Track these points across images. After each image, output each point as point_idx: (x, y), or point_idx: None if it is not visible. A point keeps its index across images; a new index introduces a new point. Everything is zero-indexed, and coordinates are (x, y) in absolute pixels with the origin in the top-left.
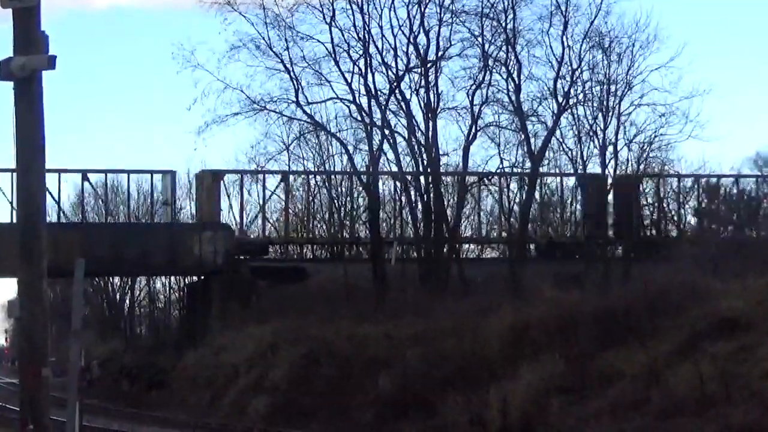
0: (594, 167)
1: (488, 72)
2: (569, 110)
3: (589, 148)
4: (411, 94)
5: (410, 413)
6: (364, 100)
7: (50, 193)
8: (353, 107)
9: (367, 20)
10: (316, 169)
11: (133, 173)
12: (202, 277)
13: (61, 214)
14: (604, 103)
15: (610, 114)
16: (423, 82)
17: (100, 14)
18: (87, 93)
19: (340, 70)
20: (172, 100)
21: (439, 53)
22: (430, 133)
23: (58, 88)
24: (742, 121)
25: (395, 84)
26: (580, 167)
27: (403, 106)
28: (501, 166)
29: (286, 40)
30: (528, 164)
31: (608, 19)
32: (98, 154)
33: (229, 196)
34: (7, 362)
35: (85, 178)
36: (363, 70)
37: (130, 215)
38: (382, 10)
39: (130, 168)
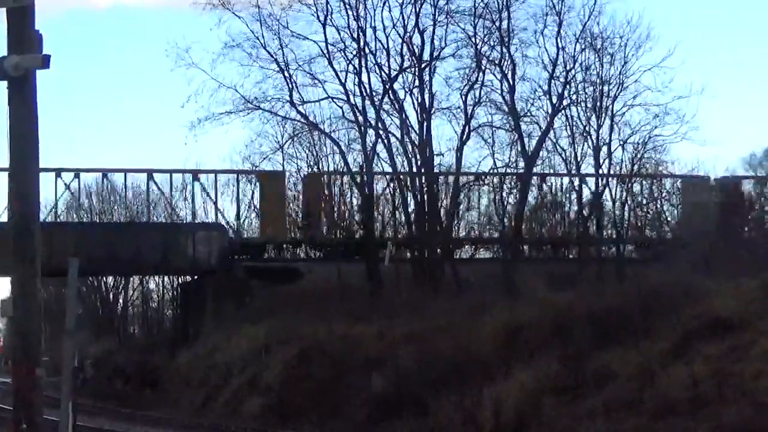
0: (588, 168)
1: (482, 72)
2: (563, 111)
3: (582, 148)
4: (405, 94)
5: (403, 413)
6: (358, 100)
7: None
8: (347, 107)
9: (361, 20)
10: (310, 169)
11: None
12: (196, 277)
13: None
14: (598, 103)
15: (604, 114)
16: (417, 82)
17: (101, 13)
18: (86, 91)
19: (333, 70)
20: (169, 100)
21: (433, 53)
22: (424, 134)
23: (57, 86)
24: (737, 123)
25: (389, 84)
26: (574, 168)
27: (397, 106)
28: (494, 167)
29: (280, 39)
30: (522, 164)
31: (600, 20)
32: (93, 153)
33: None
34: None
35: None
36: (357, 70)
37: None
38: (375, 10)
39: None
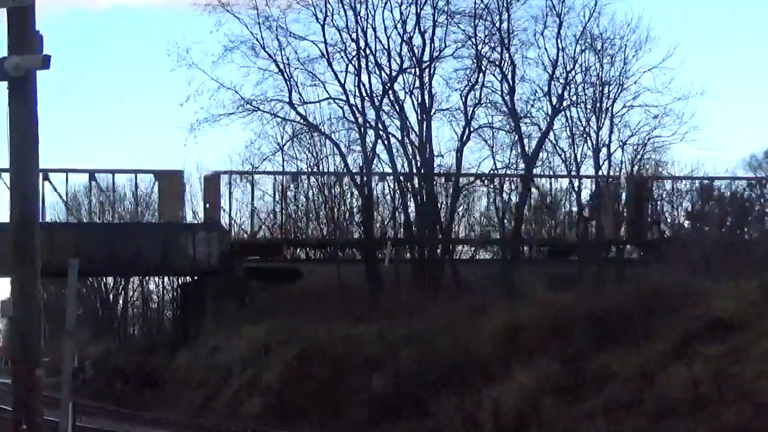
0: (588, 169)
1: (482, 73)
2: (563, 112)
3: (582, 149)
4: (405, 95)
5: (403, 413)
6: (357, 101)
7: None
8: (347, 108)
9: (360, 21)
10: (310, 170)
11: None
12: (196, 278)
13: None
14: (598, 104)
15: (604, 115)
16: (417, 83)
17: (101, 13)
18: (87, 92)
19: (333, 70)
20: (170, 100)
21: (433, 54)
22: (424, 134)
23: (58, 87)
24: (737, 124)
25: (389, 85)
26: (574, 169)
27: (397, 107)
28: (494, 168)
29: (278, 40)
30: (522, 165)
31: (600, 21)
32: (87, 153)
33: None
34: None
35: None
36: (357, 71)
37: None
38: (375, 10)
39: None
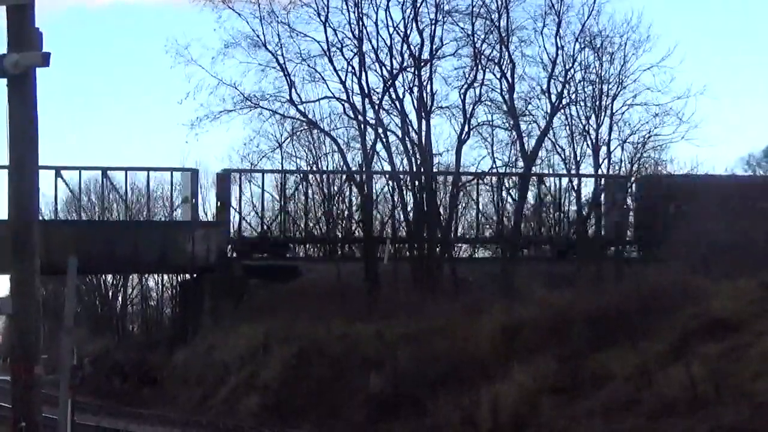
0: (587, 168)
1: (481, 71)
2: (562, 110)
3: (582, 148)
4: (404, 93)
5: (401, 413)
6: (357, 99)
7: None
8: (347, 106)
9: (361, 19)
10: (310, 168)
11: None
12: (195, 275)
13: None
14: (597, 102)
15: (603, 114)
16: (416, 81)
17: (101, 11)
18: (87, 90)
19: (334, 68)
20: (170, 97)
21: (433, 52)
22: (424, 133)
23: (58, 85)
24: (736, 123)
25: (389, 83)
26: (573, 167)
27: (397, 105)
28: (494, 166)
29: (279, 37)
30: (521, 164)
31: (600, 19)
32: (95, 151)
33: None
34: None
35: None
36: (357, 69)
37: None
38: (377, 9)
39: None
